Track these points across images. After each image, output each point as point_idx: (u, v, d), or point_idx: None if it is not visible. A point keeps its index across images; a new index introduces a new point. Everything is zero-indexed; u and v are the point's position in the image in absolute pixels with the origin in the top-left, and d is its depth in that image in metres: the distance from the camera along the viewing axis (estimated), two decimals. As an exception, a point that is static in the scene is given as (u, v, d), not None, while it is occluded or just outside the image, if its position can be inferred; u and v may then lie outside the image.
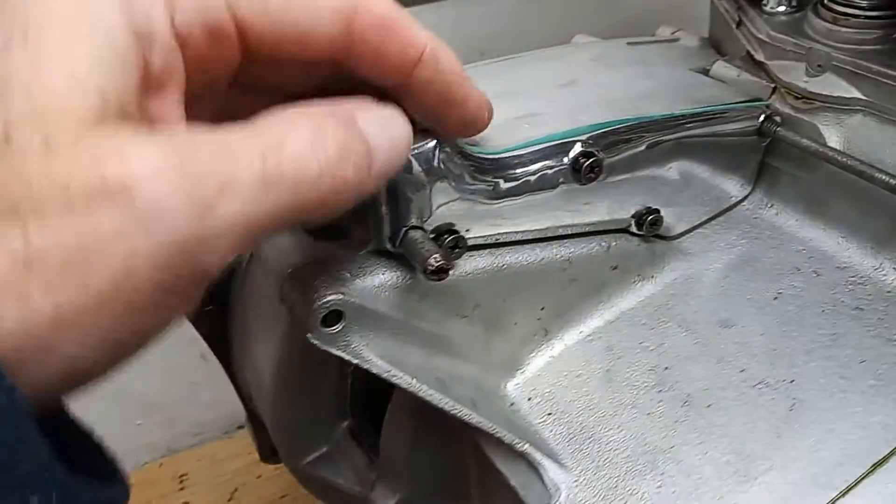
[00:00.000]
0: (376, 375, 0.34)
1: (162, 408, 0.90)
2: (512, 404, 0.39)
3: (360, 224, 0.35)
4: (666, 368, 0.38)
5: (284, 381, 0.42)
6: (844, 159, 0.39)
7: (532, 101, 0.42)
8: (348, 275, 0.33)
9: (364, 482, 0.49)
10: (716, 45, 0.54)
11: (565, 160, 0.37)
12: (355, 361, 0.32)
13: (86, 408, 0.23)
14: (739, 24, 0.48)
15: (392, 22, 0.24)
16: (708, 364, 0.38)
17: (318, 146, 0.20)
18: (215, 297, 0.47)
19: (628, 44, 0.53)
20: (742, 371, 0.37)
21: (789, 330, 0.39)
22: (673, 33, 0.57)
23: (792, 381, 0.36)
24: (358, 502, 0.49)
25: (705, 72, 0.48)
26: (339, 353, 0.32)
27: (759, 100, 0.44)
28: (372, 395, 0.47)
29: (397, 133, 0.24)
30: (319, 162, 0.20)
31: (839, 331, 0.38)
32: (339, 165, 0.20)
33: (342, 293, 0.31)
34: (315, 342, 0.31)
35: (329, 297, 0.31)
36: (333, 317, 0.31)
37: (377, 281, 0.33)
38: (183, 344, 0.72)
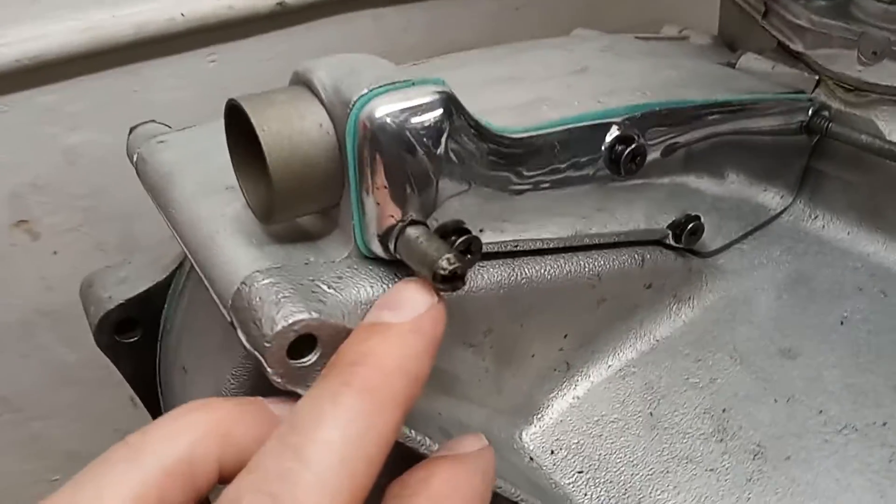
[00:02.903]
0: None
1: (84, 460, 0.79)
2: (531, 459, 0.30)
3: (335, 220, 0.26)
4: (724, 410, 0.30)
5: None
6: (918, 156, 0.33)
7: (543, 86, 0.34)
8: (324, 287, 0.24)
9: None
10: (729, 42, 0.48)
11: (601, 148, 0.29)
12: (334, 406, 0.23)
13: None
14: (766, 13, 0.42)
15: None
16: (775, 405, 0.30)
17: None
18: (141, 325, 0.37)
19: (636, 38, 0.47)
20: (820, 412, 0.30)
21: (865, 361, 0.32)
22: (680, 32, 0.51)
23: (884, 424, 0.29)
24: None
25: (731, 66, 0.42)
26: (311, 394, 0.23)
27: (802, 92, 0.38)
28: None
29: None
30: None
31: (927, 361, 0.31)
32: None
33: (317, 311, 0.23)
34: (277, 381, 0.22)
35: (298, 317, 0.22)
36: (304, 344, 0.22)
37: (362, 295, 0.24)
38: (108, 386, 0.61)
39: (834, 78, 0.37)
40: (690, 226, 0.34)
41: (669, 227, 0.34)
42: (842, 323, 0.33)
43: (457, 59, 0.39)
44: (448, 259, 0.22)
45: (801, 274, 0.36)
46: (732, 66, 0.42)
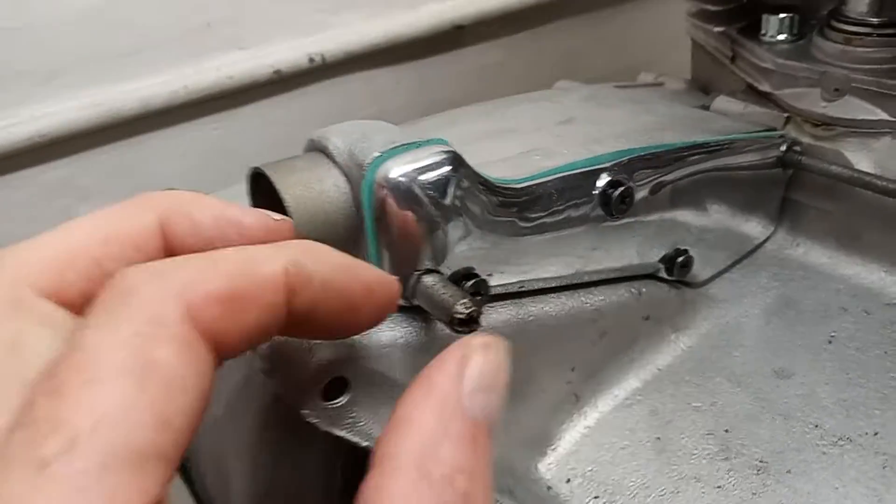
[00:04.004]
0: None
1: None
2: (549, 488, 0.32)
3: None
4: (726, 431, 0.32)
5: (261, 481, 0.34)
6: (885, 183, 0.36)
7: (533, 138, 0.37)
8: (350, 333, 0.26)
9: None
10: (702, 86, 0.51)
11: (593, 192, 0.31)
12: (364, 444, 0.25)
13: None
14: (734, 58, 0.46)
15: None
16: (774, 422, 0.32)
17: None
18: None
19: (615, 87, 0.50)
20: (816, 427, 0.32)
21: (855, 376, 0.34)
22: (656, 78, 0.54)
23: (876, 434, 0.31)
24: None
25: (705, 108, 0.45)
26: (344, 433, 0.25)
27: (774, 129, 0.41)
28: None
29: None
30: None
31: (912, 372, 0.33)
32: None
33: (346, 355, 0.25)
34: (314, 421, 0.24)
35: (331, 359, 0.24)
36: (337, 386, 0.24)
37: (384, 339, 0.26)
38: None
39: (802, 115, 0.40)
40: (680, 259, 0.36)
41: (661, 261, 0.36)
42: (830, 342, 0.36)
43: (448, 117, 0.42)
44: (464, 304, 0.24)
45: (788, 298, 0.39)
46: (707, 108, 0.45)
